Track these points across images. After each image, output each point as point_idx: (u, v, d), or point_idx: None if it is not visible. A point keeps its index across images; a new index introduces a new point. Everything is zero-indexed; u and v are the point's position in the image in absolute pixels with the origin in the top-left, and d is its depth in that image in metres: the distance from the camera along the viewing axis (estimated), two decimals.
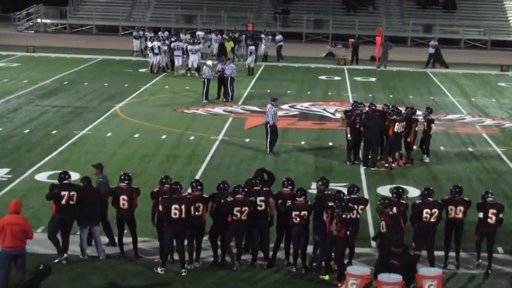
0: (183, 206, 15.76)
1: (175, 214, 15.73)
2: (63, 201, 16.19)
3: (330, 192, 16.72)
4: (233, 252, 16.31)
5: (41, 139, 26.81)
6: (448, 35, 61.55)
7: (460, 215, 16.43)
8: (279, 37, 49.39)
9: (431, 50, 48.30)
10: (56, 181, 17.04)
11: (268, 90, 37.87)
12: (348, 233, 15.52)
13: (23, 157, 24.38)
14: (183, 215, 15.76)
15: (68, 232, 16.46)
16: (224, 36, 49.19)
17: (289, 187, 16.82)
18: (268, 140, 25.39)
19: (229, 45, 46.90)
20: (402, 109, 25.53)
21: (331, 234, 15.55)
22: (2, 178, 22.04)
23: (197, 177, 22.42)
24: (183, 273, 15.84)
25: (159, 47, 41.67)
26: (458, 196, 16.52)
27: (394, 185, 18.08)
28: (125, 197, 16.53)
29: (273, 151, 25.33)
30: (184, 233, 15.96)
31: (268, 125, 25.28)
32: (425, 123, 25.00)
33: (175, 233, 15.83)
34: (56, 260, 16.06)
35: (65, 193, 16.20)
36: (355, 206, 16.25)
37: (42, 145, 25.99)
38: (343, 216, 15.49)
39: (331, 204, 16.03)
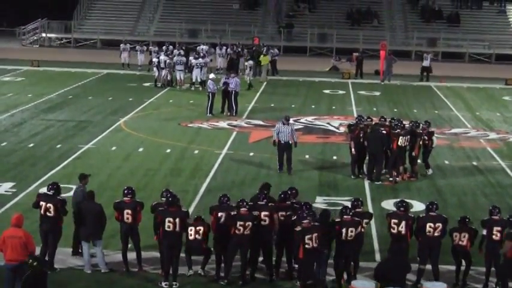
0: (177, 220, 15.85)
1: (168, 227, 15.87)
2: (41, 211, 16.51)
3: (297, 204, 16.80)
4: (231, 266, 16.29)
5: (46, 153, 26.83)
6: (452, 49, 61.61)
7: (464, 242, 16.31)
8: (275, 51, 49.47)
9: (425, 63, 48.22)
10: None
11: (272, 104, 37.93)
12: (315, 244, 15.48)
13: (27, 171, 24.41)
14: (177, 228, 15.85)
15: (50, 245, 16.49)
16: (261, 50, 49.18)
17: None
18: (287, 158, 24.92)
19: (265, 59, 46.98)
20: (406, 123, 25.47)
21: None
22: (6, 192, 22.06)
23: (201, 191, 22.45)
24: (175, 286, 15.91)
25: (165, 61, 41.77)
26: (463, 224, 16.38)
27: (399, 199, 17.94)
28: (129, 211, 16.58)
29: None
30: (179, 245, 16.06)
31: (283, 143, 24.83)
32: (426, 137, 24.90)
33: (169, 245, 15.91)
34: None
35: (43, 203, 16.49)
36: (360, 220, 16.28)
37: (47, 159, 26.01)
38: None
39: (338, 219, 16.03)
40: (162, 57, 42.04)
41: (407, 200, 21.74)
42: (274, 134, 25.21)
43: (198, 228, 16.34)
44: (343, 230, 15.86)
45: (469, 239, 16.20)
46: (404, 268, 14.85)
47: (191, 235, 16.33)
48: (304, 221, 15.57)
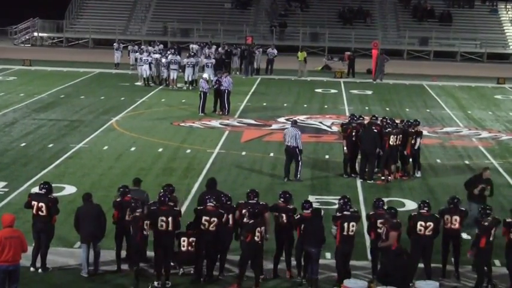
0: (169, 219, 15.80)
1: (161, 226, 15.83)
2: (34, 211, 16.49)
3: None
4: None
5: (37, 153, 26.78)
6: (444, 48, 61.72)
7: (457, 225, 16.40)
8: (273, 51, 49.34)
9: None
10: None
11: (265, 104, 37.92)
12: (257, 238, 15.53)
13: (19, 171, 24.35)
14: (170, 228, 15.82)
15: (43, 245, 16.43)
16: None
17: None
18: (300, 164, 24.09)
19: (302, 55, 47.16)
20: (397, 121, 25.44)
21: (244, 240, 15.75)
22: None
23: (194, 190, 22.44)
24: (167, 286, 15.91)
25: (169, 61, 41.68)
26: (454, 206, 16.50)
27: (390, 205, 17.64)
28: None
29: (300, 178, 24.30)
30: (171, 245, 16.03)
31: (297, 149, 24.01)
32: (414, 136, 24.79)
33: (162, 244, 15.89)
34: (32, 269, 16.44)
35: (35, 203, 16.49)
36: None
37: (39, 159, 25.95)
38: (248, 221, 15.69)
39: (339, 214, 16.06)
40: (170, 57, 41.78)
41: (400, 199, 21.90)
42: (297, 141, 24.19)
43: (191, 239, 16.15)
44: (345, 225, 15.90)
45: (460, 222, 16.31)
46: (410, 266, 14.84)
47: (184, 246, 16.16)
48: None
